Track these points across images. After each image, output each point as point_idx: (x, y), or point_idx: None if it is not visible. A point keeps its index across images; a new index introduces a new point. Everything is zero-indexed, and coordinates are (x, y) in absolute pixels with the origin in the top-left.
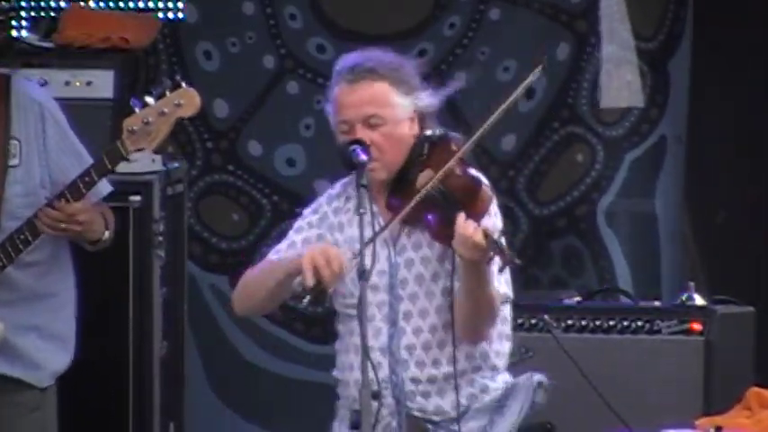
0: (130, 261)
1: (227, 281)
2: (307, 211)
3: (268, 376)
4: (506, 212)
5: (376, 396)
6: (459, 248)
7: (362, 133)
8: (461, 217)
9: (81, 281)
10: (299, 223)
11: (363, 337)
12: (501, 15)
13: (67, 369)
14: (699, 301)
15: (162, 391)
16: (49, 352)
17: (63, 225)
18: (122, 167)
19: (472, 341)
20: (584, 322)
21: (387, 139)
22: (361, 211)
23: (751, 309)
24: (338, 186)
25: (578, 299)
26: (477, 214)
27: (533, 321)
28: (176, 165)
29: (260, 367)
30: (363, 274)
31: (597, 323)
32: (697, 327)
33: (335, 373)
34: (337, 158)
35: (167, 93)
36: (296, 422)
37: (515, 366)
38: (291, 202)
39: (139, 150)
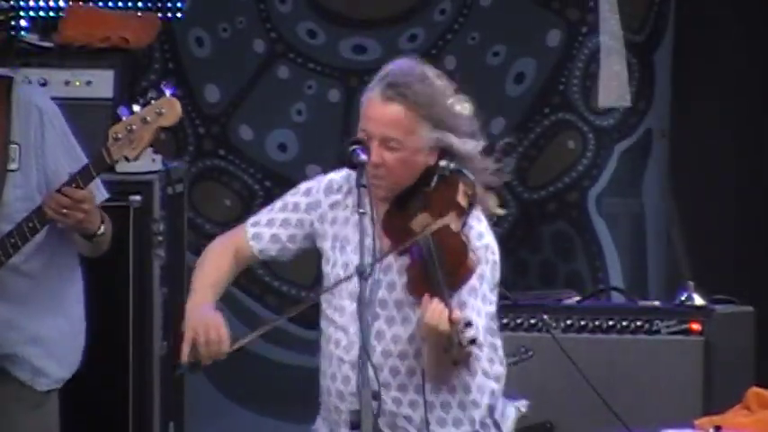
0: (130, 261)
1: None
2: (301, 188)
3: (266, 363)
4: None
5: (376, 397)
6: (422, 331)
7: (377, 152)
8: (426, 299)
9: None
10: (287, 198)
11: (364, 337)
12: (492, 1)
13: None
14: (698, 300)
15: (162, 391)
16: (47, 362)
17: (66, 210)
18: (122, 167)
19: (438, 386)
20: (583, 322)
21: (400, 163)
22: (361, 211)
23: (750, 308)
24: (340, 177)
25: (577, 299)
26: (456, 282)
27: (532, 321)
28: (176, 164)
29: (257, 354)
30: (363, 274)
31: (596, 323)
32: (696, 327)
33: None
34: (329, 144)
35: (152, 101)
36: (295, 408)
37: (515, 366)
38: (284, 187)
39: (124, 158)
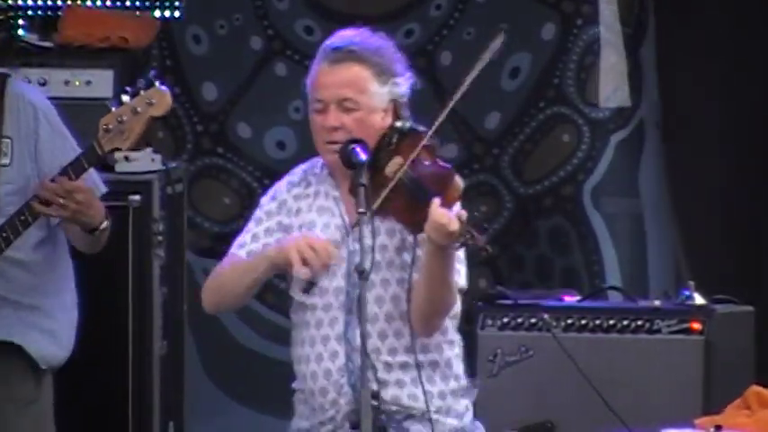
0: (130, 260)
1: None
2: (264, 200)
3: (265, 361)
4: (490, 190)
5: (376, 396)
6: (432, 234)
7: (335, 115)
8: (436, 203)
9: (81, 280)
10: (257, 214)
11: (363, 336)
12: None
13: (65, 365)
14: (698, 300)
15: (161, 391)
16: (48, 350)
17: (61, 200)
18: (122, 167)
19: (425, 333)
20: (583, 321)
21: (358, 124)
22: (360, 210)
23: (750, 308)
24: (298, 172)
25: (578, 298)
26: (449, 202)
27: (533, 321)
28: (175, 164)
29: (256, 352)
30: (362, 273)
31: (597, 322)
32: (697, 326)
33: (295, 367)
34: None
35: (141, 91)
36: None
37: (515, 366)
38: None
39: (116, 150)
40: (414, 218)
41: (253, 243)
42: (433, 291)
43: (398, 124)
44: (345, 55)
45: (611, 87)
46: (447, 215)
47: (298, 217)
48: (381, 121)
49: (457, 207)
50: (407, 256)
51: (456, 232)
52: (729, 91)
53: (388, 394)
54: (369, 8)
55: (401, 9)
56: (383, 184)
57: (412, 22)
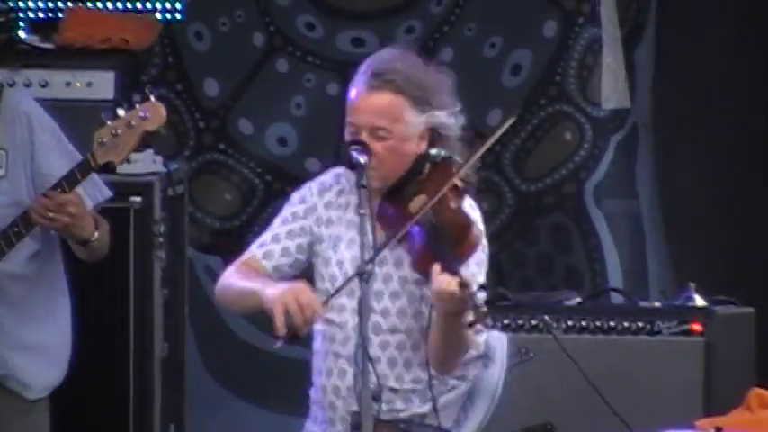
0: (131, 262)
1: (221, 261)
2: (294, 198)
3: (264, 355)
4: (492, 187)
5: (377, 397)
6: (432, 298)
7: (367, 141)
8: (437, 268)
9: (82, 282)
10: (285, 212)
11: (364, 338)
12: None
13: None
14: (699, 301)
15: (162, 393)
16: (38, 370)
17: (51, 214)
18: (123, 168)
19: (440, 372)
20: (584, 323)
21: (390, 153)
22: (361, 211)
23: (751, 309)
24: (331, 177)
25: (578, 300)
26: (461, 256)
27: (533, 322)
28: (176, 166)
29: (256, 346)
30: (364, 275)
31: (597, 324)
32: (697, 327)
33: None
34: (328, 137)
35: (137, 105)
36: (295, 400)
37: (516, 367)
38: (284, 181)
39: (108, 163)
40: (424, 265)
41: (272, 244)
42: (445, 343)
43: (433, 152)
44: (384, 83)
45: (610, 87)
46: (446, 280)
47: (328, 228)
48: (416, 147)
49: (470, 262)
50: (423, 289)
51: (455, 299)
52: (727, 91)
53: (393, 413)
54: (369, 4)
55: (402, 5)
56: (402, 218)
57: (412, 19)
